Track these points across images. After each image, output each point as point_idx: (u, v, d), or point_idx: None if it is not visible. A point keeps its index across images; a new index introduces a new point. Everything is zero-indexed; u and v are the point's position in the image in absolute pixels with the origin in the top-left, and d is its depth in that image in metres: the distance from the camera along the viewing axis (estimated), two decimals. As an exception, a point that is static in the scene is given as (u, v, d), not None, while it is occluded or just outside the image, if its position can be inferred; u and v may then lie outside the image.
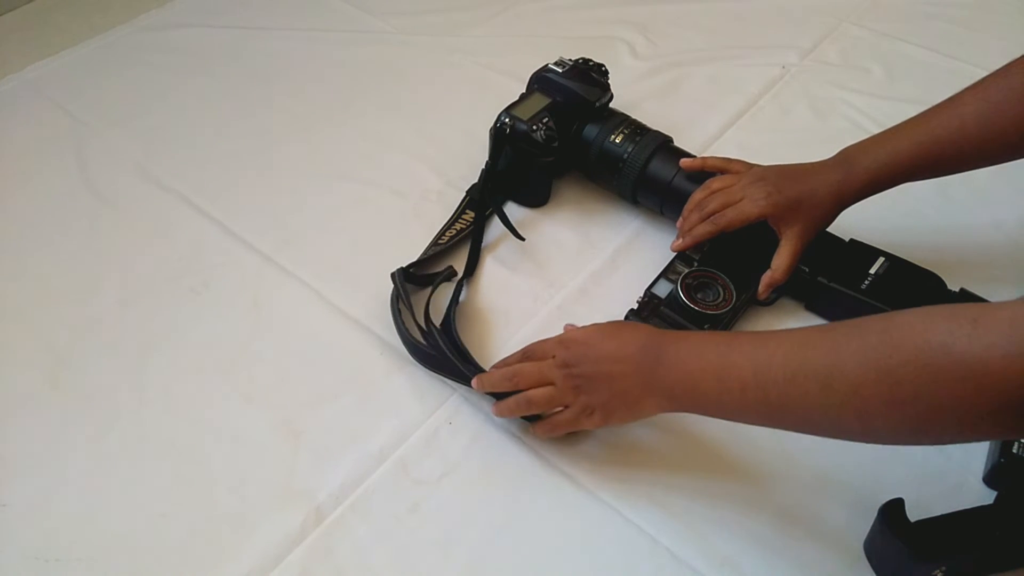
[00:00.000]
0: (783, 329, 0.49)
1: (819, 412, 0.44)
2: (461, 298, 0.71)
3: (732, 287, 0.66)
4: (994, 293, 0.66)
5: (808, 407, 0.45)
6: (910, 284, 0.66)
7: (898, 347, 0.40)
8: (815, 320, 0.70)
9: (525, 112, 0.74)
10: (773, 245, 0.67)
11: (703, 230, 0.68)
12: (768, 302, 0.70)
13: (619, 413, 0.55)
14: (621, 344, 0.54)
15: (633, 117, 0.77)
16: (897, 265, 0.68)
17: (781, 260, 0.65)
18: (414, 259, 0.72)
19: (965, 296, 0.65)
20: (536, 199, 0.80)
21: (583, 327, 0.58)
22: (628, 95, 0.87)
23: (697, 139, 0.87)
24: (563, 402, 0.56)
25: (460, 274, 0.72)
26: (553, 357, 0.57)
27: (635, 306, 0.66)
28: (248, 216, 0.80)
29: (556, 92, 0.77)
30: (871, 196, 0.64)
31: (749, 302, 0.69)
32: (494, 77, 0.96)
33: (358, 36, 1.05)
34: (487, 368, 0.64)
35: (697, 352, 0.51)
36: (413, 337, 0.66)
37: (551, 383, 0.56)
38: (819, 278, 0.67)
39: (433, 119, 0.91)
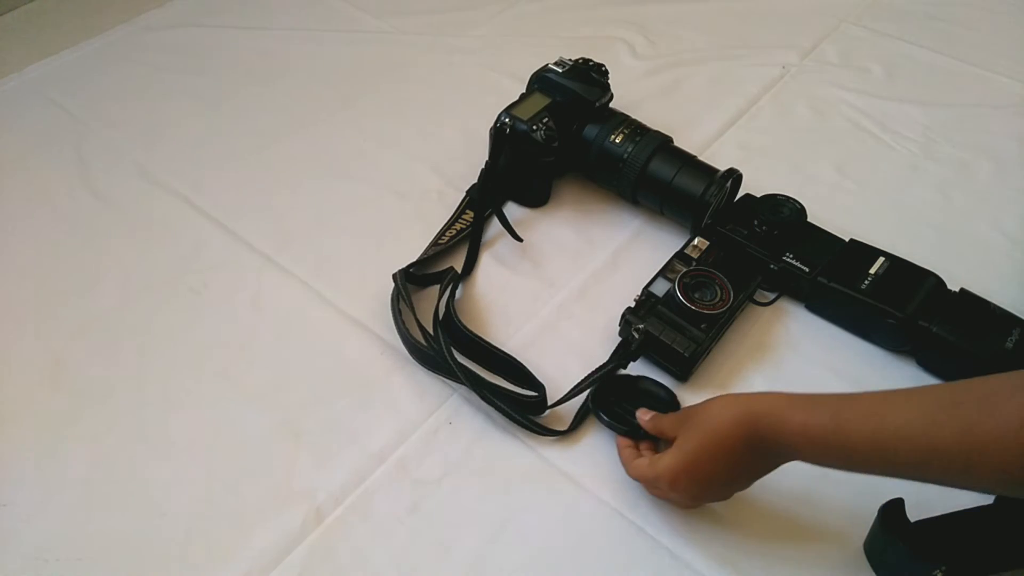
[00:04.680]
0: (892, 395, 0.46)
1: (960, 483, 0.45)
2: (458, 295, 0.71)
3: (730, 287, 0.66)
4: (994, 293, 0.66)
5: (947, 480, 0.45)
6: (910, 284, 0.66)
7: None
8: (815, 320, 0.70)
9: (525, 112, 0.74)
10: (773, 248, 0.67)
11: None
12: (767, 302, 0.70)
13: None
14: (730, 462, 0.51)
15: (633, 117, 0.78)
16: (897, 265, 0.68)
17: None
18: (414, 259, 0.72)
19: (965, 296, 0.65)
20: (536, 199, 0.80)
21: (676, 455, 0.53)
22: (628, 95, 0.87)
23: (697, 139, 0.87)
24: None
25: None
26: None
27: (632, 305, 0.66)
28: (248, 216, 0.80)
29: (556, 92, 0.77)
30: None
31: (747, 302, 0.69)
32: (494, 77, 0.96)
33: (358, 36, 1.05)
34: (484, 371, 0.64)
35: (811, 443, 0.48)
36: (413, 337, 0.66)
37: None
38: (819, 278, 0.67)
39: (433, 119, 0.91)
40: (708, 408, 0.53)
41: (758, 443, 0.49)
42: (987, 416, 0.42)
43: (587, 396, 0.63)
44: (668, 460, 0.53)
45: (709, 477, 0.52)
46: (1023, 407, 0.41)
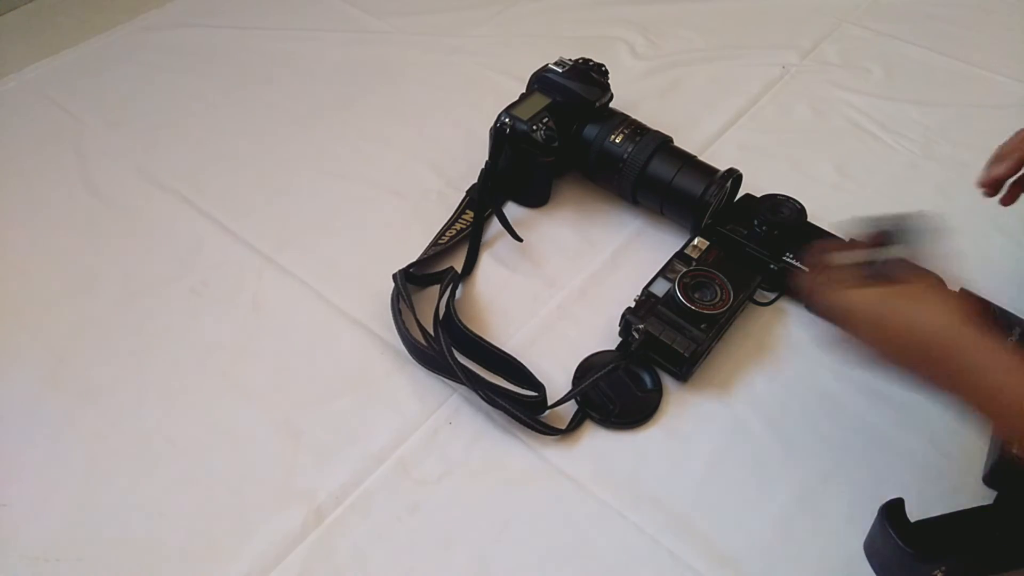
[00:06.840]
0: None
1: None
2: (458, 295, 0.71)
3: (730, 287, 0.66)
4: (994, 293, 0.66)
5: None
6: (910, 284, 0.66)
7: None
8: (815, 320, 0.70)
9: (525, 112, 0.74)
10: (772, 247, 0.67)
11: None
12: (767, 302, 0.70)
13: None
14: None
15: (633, 117, 0.78)
16: (897, 265, 0.68)
17: None
18: (414, 259, 0.72)
19: (965, 296, 0.65)
20: (536, 199, 0.80)
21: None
22: (628, 95, 0.87)
23: (697, 139, 0.87)
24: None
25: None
26: None
27: (632, 305, 0.66)
28: (248, 216, 0.80)
29: (556, 92, 0.77)
30: None
31: (747, 302, 0.69)
32: (494, 77, 0.96)
33: (358, 36, 1.05)
34: (484, 371, 0.64)
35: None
36: (413, 337, 0.66)
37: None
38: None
39: (433, 119, 0.91)
40: None
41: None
42: None
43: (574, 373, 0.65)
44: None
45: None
46: None
